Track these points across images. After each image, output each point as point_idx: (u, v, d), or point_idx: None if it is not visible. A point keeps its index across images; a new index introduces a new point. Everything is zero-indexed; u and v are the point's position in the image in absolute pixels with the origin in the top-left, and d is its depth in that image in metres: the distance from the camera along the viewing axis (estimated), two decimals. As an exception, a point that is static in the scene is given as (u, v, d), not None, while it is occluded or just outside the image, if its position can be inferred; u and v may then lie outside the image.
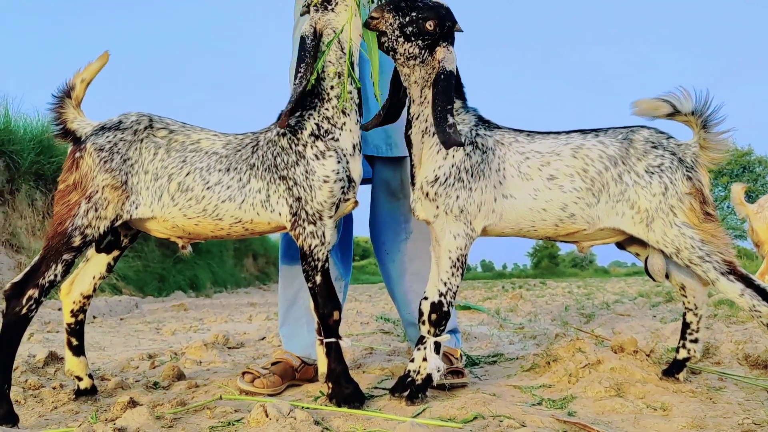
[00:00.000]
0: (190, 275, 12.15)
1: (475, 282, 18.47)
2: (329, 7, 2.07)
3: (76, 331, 2.25)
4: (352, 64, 2.08)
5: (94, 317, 5.95)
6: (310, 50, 2.03)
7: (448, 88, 1.96)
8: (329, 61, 2.07)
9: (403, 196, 2.63)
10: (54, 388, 2.38)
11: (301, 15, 2.18)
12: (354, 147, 2.10)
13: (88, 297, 2.26)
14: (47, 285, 1.97)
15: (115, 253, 2.29)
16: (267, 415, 1.79)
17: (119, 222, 2.06)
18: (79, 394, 2.25)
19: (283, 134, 2.08)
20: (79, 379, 2.26)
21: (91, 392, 2.27)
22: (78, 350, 2.25)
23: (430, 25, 1.98)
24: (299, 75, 2.01)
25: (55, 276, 1.98)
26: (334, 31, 2.07)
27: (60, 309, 6.18)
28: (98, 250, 2.25)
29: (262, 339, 4.25)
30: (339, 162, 2.04)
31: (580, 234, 2.11)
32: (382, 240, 2.71)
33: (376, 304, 7.64)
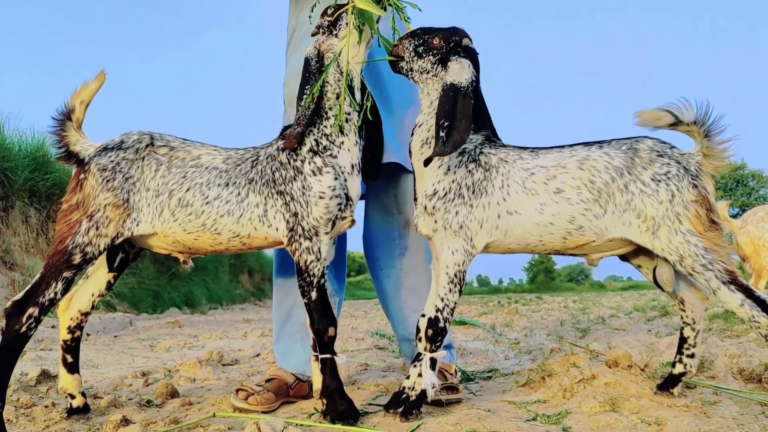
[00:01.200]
0: (185, 292, 12.10)
1: (471, 297, 18.45)
2: (334, 32, 2.14)
3: (72, 348, 2.24)
4: (351, 86, 2.11)
5: (88, 334, 5.92)
6: (314, 72, 2.09)
7: (445, 102, 2.00)
8: (327, 82, 2.12)
9: (397, 212, 2.63)
10: (46, 407, 2.36)
11: (312, 35, 2.23)
12: (353, 167, 2.11)
13: (86, 314, 2.26)
14: (47, 303, 1.98)
15: (115, 273, 2.30)
16: (260, 433, 1.78)
17: (119, 240, 2.07)
18: (72, 412, 2.23)
19: (283, 149, 2.10)
20: (72, 396, 2.24)
21: (84, 411, 2.24)
22: (72, 368, 2.24)
23: (435, 41, 2.08)
24: (305, 96, 2.06)
25: (56, 294, 1.99)
26: (334, 54, 2.12)
27: (54, 327, 6.14)
28: (111, 270, 2.26)
29: (257, 356, 4.23)
30: (336, 179, 2.05)
31: (589, 246, 2.11)
32: (377, 256, 2.71)
33: (372, 320, 7.61)
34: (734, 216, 5.51)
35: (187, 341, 5.52)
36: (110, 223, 2.05)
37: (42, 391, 2.72)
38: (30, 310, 1.96)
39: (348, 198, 2.10)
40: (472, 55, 2.11)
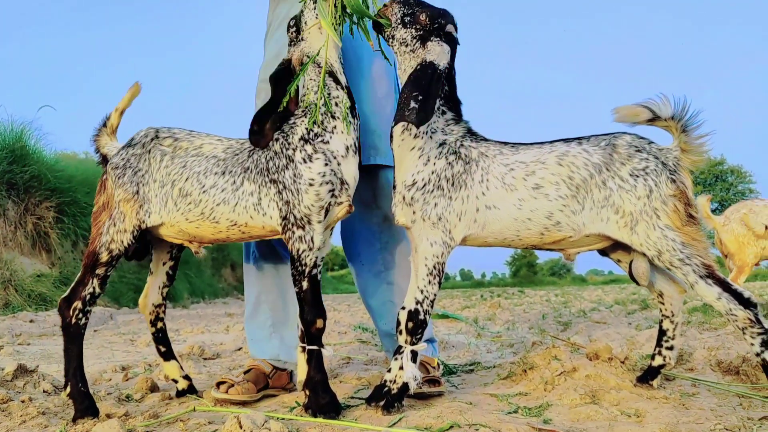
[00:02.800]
0: (166, 286, 12.01)
1: (454, 291, 18.52)
2: (299, 38, 2.18)
3: (160, 338, 2.49)
4: (332, 71, 2.12)
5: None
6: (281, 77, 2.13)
7: (421, 77, 2.00)
8: (310, 78, 2.13)
9: (376, 207, 2.61)
10: (23, 402, 2.32)
11: (290, 45, 2.23)
12: (347, 149, 2.09)
13: (159, 305, 2.49)
14: (88, 296, 2.16)
15: (171, 262, 2.48)
16: (241, 427, 1.76)
17: (138, 232, 2.19)
18: (179, 394, 2.45)
19: (277, 139, 2.11)
20: (175, 381, 2.46)
21: (190, 392, 2.46)
22: (167, 355, 2.48)
23: (422, 17, 2.09)
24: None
25: (94, 289, 2.17)
26: (307, 56, 2.14)
27: (32, 321, 6.09)
28: (127, 258, 2.33)
29: (239, 350, 4.21)
30: (327, 164, 2.04)
31: (566, 241, 2.12)
32: (357, 251, 2.70)
33: (355, 314, 7.61)
34: (713, 211, 5.53)
35: (168, 335, 5.47)
36: (125, 217, 2.18)
37: (18, 386, 2.68)
38: (75, 304, 2.14)
39: (343, 182, 2.07)
40: (452, 43, 2.11)
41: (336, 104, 2.10)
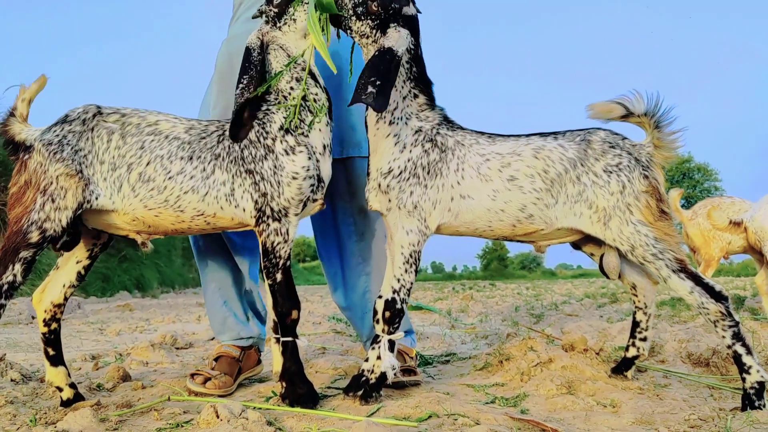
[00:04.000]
0: (135, 275, 11.84)
1: (426, 283, 18.61)
2: (278, 24, 2.07)
3: (52, 340, 2.13)
4: (311, 72, 2.07)
5: (33, 318, 5.71)
6: (255, 63, 2.01)
7: (379, 63, 1.96)
8: (291, 77, 2.06)
9: (351, 198, 2.59)
10: (-11, 391, 2.26)
11: (253, 18, 2.16)
12: (324, 147, 2.07)
13: (59, 306, 2.15)
14: (6, 286, 1.88)
15: (86, 261, 2.18)
16: (218, 416, 1.74)
17: (81, 211, 1.95)
18: (64, 405, 2.10)
19: (252, 126, 2.02)
20: (60, 389, 2.12)
21: (76, 400, 2.12)
22: (55, 360, 2.13)
23: (374, 6, 2.04)
24: (241, 86, 1.97)
25: (14, 276, 1.89)
26: (281, 47, 2.06)
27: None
28: (55, 250, 2.11)
29: (212, 339, 4.16)
30: (310, 159, 2.01)
31: (538, 234, 2.13)
32: (333, 245, 2.67)
33: (328, 305, 7.59)
34: (682, 207, 5.65)
35: (138, 325, 5.39)
36: (67, 193, 1.93)
37: (-15, 374, 2.61)
38: None
39: (320, 179, 2.05)
40: (411, 24, 2.08)
41: (315, 101, 2.05)
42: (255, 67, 2.00)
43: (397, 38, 2.02)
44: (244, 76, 1.98)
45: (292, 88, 2.05)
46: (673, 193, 5.15)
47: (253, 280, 2.69)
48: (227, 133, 2.03)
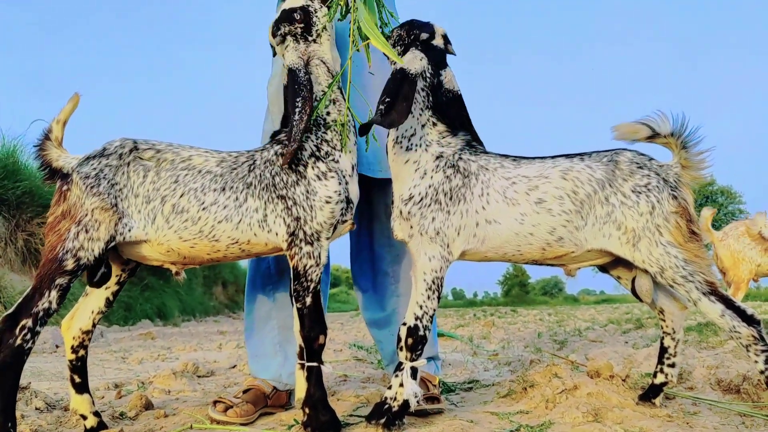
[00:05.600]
0: (157, 303, 11.88)
1: (447, 310, 18.45)
2: (309, 39, 2.12)
3: (78, 368, 2.16)
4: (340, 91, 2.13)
5: (57, 346, 5.76)
6: (305, 83, 2.03)
7: (390, 82, 2.03)
8: (322, 91, 2.10)
9: (387, 219, 2.61)
10: (14, 419, 2.27)
11: (277, 45, 2.18)
12: (353, 168, 2.11)
13: (88, 332, 2.18)
14: (42, 313, 1.89)
15: (114, 288, 2.22)
16: (240, 445, 1.73)
17: (114, 243, 2.00)
18: None
19: (281, 154, 2.05)
20: (84, 417, 2.15)
21: (99, 429, 2.14)
22: (81, 388, 2.15)
23: (402, 32, 2.16)
24: (297, 110, 1.98)
25: (50, 303, 1.91)
26: (322, 61, 2.12)
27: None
28: (91, 285, 2.14)
29: (233, 367, 4.15)
30: (340, 183, 2.04)
31: (568, 257, 2.11)
32: (369, 269, 2.72)
33: (348, 332, 7.56)
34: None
35: (160, 353, 5.41)
36: (101, 225, 1.97)
37: (10, 403, 2.62)
38: (23, 322, 1.87)
39: (349, 201, 2.08)
40: (430, 50, 2.14)
41: (343, 125, 2.09)
42: (306, 87, 2.02)
43: (410, 59, 2.07)
44: (298, 99, 1.99)
45: (328, 113, 2.09)
46: (705, 213, 5.12)
47: None
48: (257, 161, 2.08)
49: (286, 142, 2.01)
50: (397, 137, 2.12)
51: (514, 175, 2.09)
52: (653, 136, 2.05)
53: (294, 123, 1.97)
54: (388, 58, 2.10)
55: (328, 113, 2.09)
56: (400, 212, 2.08)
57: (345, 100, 2.11)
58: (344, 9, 2.08)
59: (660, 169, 2.07)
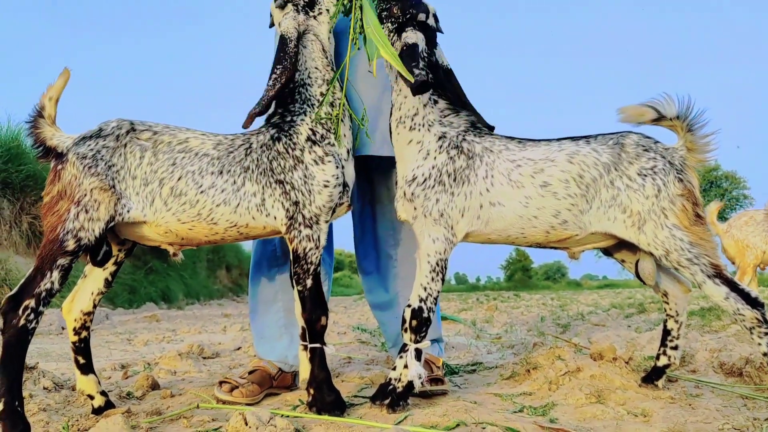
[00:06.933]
0: (161, 287, 11.94)
1: (450, 294, 18.51)
2: (311, 14, 2.13)
3: (82, 349, 2.18)
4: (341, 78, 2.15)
5: (63, 328, 5.80)
6: (291, 54, 2.05)
7: (407, 53, 2.03)
8: (315, 68, 2.13)
9: (389, 202, 2.61)
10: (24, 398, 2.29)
11: (277, 7, 2.18)
12: (348, 152, 2.13)
13: (89, 314, 2.19)
14: (44, 293, 1.89)
15: (112, 268, 2.21)
16: (246, 424, 1.75)
17: (113, 223, 1.99)
18: (95, 412, 2.14)
19: (278, 138, 2.08)
20: (91, 397, 2.16)
21: (107, 408, 2.16)
22: (86, 368, 2.17)
23: (395, 9, 2.13)
24: (273, 77, 2.00)
25: (52, 283, 1.90)
26: (318, 39, 2.14)
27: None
28: (94, 264, 2.15)
29: (238, 349, 4.18)
30: (338, 167, 2.06)
31: (572, 240, 2.11)
32: (373, 252, 2.73)
33: (352, 316, 7.59)
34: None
35: (165, 335, 5.44)
36: (100, 205, 1.96)
37: (18, 383, 2.65)
38: (26, 302, 1.86)
39: (345, 184, 2.11)
40: (426, 31, 2.14)
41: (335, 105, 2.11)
42: (290, 58, 2.04)
43: (414, 38, 2.08)
44: (278, 66, 2.03)
45: (322, 94, 2.11)
46: (711, 207, 5.24)
47: None
48: (254, 145, 2.09)
49: (251, 109, 2.00)
50: (400, 117, 2.12)
51: (519, 157, 2.08)
52: (659, 119, 2.04)
53: (266, 88, 1.99)
54: (399, 75, 2.04)
55: (321, 94, 2.11)
56: (404, 193, 2.08)
57: (341, 91, 2.12)
58: (349, 7, 2.11)
59: (666, 152, 2.06)
